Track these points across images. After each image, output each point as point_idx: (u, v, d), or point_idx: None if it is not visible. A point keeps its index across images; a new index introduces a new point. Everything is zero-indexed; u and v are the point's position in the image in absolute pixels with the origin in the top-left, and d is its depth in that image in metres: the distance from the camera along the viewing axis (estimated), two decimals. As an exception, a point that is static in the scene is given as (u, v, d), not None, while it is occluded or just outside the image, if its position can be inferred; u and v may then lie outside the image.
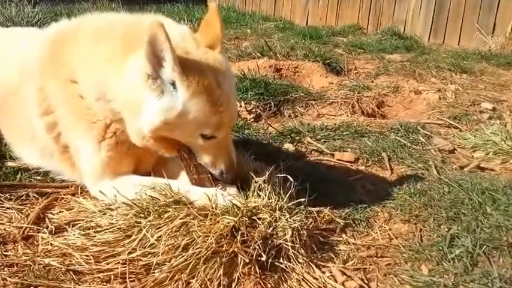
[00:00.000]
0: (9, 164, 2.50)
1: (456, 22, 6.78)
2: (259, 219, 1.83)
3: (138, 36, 1.74)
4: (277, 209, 1.89)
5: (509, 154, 2.98)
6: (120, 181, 2.07)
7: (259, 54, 4.93)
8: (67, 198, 2.21)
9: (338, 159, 2.83)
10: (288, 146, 2.95)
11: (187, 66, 1.75)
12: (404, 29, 7.08)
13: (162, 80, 1.76)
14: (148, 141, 1.90)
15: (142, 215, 1.85)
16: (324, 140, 3.09)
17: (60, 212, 2.11)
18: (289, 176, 2.02)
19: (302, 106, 3.72)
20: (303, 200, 1.99)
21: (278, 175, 2.08)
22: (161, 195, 1.92)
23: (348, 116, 3.63)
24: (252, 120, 3.41)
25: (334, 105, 3.81)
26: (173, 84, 1.75)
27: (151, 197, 1.91)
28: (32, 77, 2.15)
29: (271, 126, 3.29)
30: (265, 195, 1.93)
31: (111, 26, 1.99)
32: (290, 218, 1.87)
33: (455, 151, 3.09)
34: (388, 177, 2.64)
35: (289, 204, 1.95)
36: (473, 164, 2.85)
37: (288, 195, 1.97)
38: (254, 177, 1.98)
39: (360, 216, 2.18)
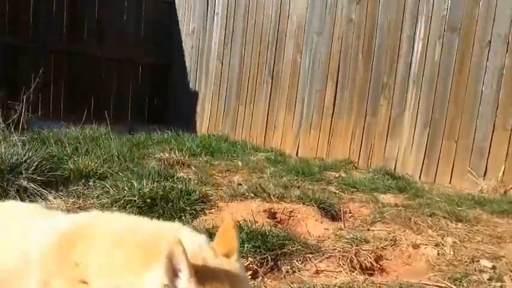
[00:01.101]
0: None
1: (448, 163, 6.85)
2: None
3: (157, 248, 1.76)
4: None
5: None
6: None
7: (252, 195, 4.85)
8: None
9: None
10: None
11: (204, 274, 1.72)
12: (395, 167, 7.13)
13: None
14: None
15: None
16: (325, 306, 2.94)
17: None
18: None
19: (300, 260, 3.59)
20: None
21: None
22: None
23: (347, 273, 3.49)
24: (250, 278, 3.26)
25: (332, 259, 3.69)
26: None
27: None
28: (35, 269, 2.05)
29: None
30: None
31: (130, 233, 1.96)
32: None
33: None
34: None
35: None
36: None
37: None
38: None
39: None
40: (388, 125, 7.32)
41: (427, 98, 6.99)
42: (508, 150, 6.42)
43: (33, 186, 4.34)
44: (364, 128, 7.53)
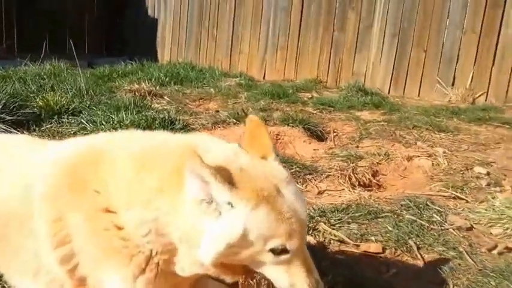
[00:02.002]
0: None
1: (416, 73, 6.85)
2: None
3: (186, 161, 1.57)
4: None
5: (529, 230, 2.91)
6: None
7: (234, 121, 4.70)
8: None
9: (365, 251, 2.62)
10: (309, 239, 2.71)
11: (243, 181, 1.59)
12: (364, 82, 7.07)
13: (217, 202, 1.57)
14: (209, 269, 1.65)
15: None
16: (338, 225, 2.87)
17: None
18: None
19: (300, 182, 3.51)
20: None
21: None
22: None
23: (350, 191, 3.44)
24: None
25: (331, 178, 3.62)
26: (229, 203, 1.56)
27: None
28: (42, 207, 1.81)
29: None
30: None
31: (156, 151, 1.76)
32: None
33: (473, 228, 2.97)
34: (424, 270, 2.45)
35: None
36: (501, 246, 2.74)
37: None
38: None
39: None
40: (357, 39, 7.20)
41: (397, 7, 6.87)
42: (476, 55, 6.45)
43: (3, 126, 4.01)
44: (332, 44, 7.38)
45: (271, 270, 1.65)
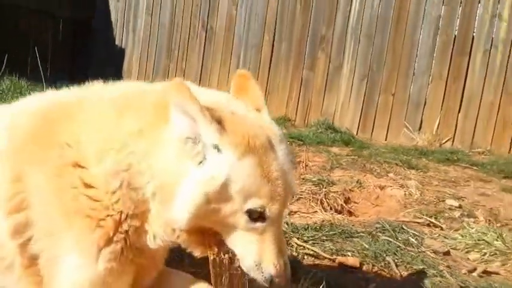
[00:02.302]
0: None
1: (384, 117, 6.85)
2: None
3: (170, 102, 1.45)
4: None
5: (507, 255, 2.82)
6: None
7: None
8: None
9: (341, 263, 2.47)
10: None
11: (234, 125, 1.45)
12: (332, 123, 7.03)
13: (204, 143, 1.43)
14: (180, 236, 1.49)
15: None
16: (312, 241, 2.73)
17: None
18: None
19: (271, 202, 3.35)
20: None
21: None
22: None
23: (323, 213, 3.30)
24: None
25: (302, 201, 3.48)
26: (216, 147, 1.42)
27: None
28: (1, 166, 1.60)
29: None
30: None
31: (138, 93, 1.61)
32: None
33: (450, 254, 2.86)
34: (405, 286, 2.32)
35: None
36: (480, 269, 2.64)
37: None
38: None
39: None
40: (326, 80, 7.20)
41: (366, 50, 6.93)
42: (443, 101, 6.51)
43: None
44: (301, 83, 7.36)
45: (242, 240, 1.49)
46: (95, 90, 1.70)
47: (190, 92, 1.39)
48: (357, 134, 6.94)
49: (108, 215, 1.52)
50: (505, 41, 6.16)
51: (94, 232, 1.51)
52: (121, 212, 1.52)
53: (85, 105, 1.62)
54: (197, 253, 1.55)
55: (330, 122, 6.74)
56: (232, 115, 1.49)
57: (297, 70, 7.38)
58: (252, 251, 1.49)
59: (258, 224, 1.47)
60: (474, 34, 6.31)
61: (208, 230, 1.51)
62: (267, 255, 1.49)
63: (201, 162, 1.42)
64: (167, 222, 1.49)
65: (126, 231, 1.54)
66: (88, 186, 1.52)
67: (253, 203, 1.44)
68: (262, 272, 1.49)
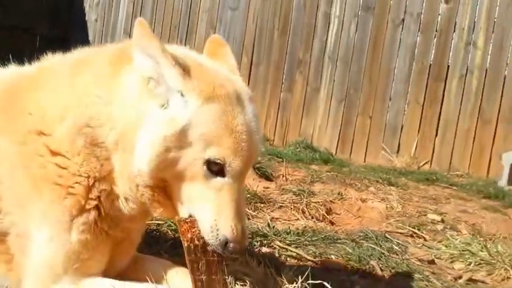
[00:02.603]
0: None
1: (362, 140, 6.82)
2: None
3: (129, 50, 1.44)
4: None
5: (492, 265, 2.76)
6: (87, 286, 1.44)
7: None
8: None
9: (324, 264, 2.38)
10: (264, 251, 2.44)
11: (199, 73, 1.43)
12: (311, 143, 6.99)
13: (168, 85, 1.40)
14: (144, 193, 1.42)
15: None
16: (294, 245, 2.63)
17: None
18: None
19: (251, 209, 3.26)
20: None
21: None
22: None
23: (305, 221, 3.22)
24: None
25: (284, 209, 3.41)
26: (180, 92, 1.40)
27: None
28: None
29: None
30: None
31: (92, 53, 1.63)
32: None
33: (435, 262, 2.80)
34: (391, 289, 2.23)
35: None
36: (466, 277, 2.58)
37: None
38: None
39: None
40: (304, 101, 7.18)
41: (343, 75, 6.94)
42: (420, 125, 6.52)
43: None
44: (279, 104, 7.34)
45: (201, 198, 1.41)
46: (55, 60, 1.70)
47: (150, 31, 1.38)
48: (335, 154, 6.90)
49: (76, 182, 1.46)
50: (480, 67, 6.23)
51: (64, 200, 1.43)
52: (88, 177, 1.47)
53: (45, 73, 1.61)
54: (164, 215, 1.52)
55: (308, 142, 6.70)
56: (200, 66, 1.47)
57: (275, 92, 7.36)
58: (210, 209, 1.41)
59: (218, 179, 1.41)
60: (449, 62, 6.38)
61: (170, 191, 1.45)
62: (224, 216, 1.41)
63: (163, 105, 1.39)
64: (130, 177, 1.43)
65: (98, 197, 1.48)
66: (54, 153, 1.47)
67: (213, 152, 1.38)
68: (217, 234, 1.40)
